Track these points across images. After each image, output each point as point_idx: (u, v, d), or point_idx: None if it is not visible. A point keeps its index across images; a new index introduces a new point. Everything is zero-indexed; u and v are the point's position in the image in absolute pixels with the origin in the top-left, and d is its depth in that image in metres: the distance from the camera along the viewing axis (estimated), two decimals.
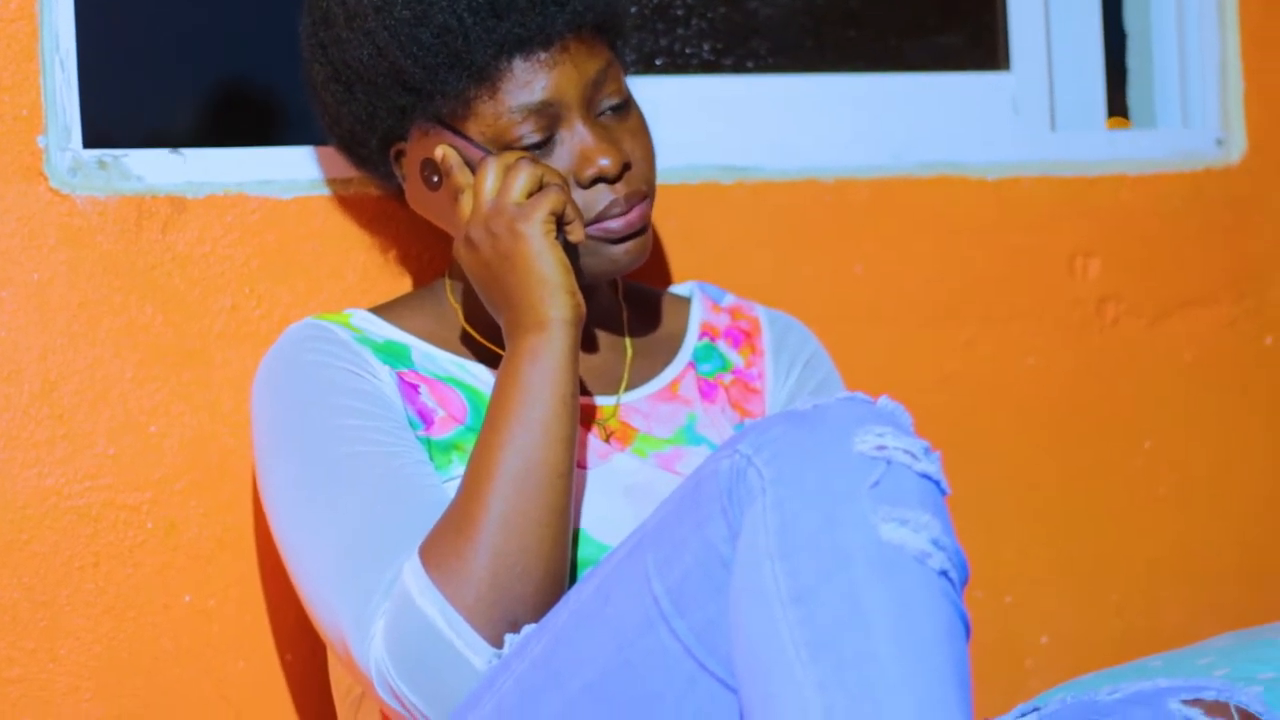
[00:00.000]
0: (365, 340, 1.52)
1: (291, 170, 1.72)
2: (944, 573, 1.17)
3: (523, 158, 1.43)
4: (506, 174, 1.43)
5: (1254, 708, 1.31)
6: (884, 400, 1.26)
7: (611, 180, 1.49)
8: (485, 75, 1.46)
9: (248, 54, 2.15)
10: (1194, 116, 2.23)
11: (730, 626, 1.20)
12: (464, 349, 1.57)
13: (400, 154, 1.54)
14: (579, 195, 1.48)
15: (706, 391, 1.62)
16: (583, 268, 1.50)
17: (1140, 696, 1.33)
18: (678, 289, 1.74)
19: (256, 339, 1.67)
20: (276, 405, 1.50)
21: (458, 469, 1.48)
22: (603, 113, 1.51)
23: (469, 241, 1.44)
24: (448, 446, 1.50)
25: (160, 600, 1.66)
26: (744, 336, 1.68)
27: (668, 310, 1.69)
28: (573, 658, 1.29)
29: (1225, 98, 2.21)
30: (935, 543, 1.18)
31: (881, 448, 1.20)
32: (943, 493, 1.23)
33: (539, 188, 1.43)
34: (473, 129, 1.48)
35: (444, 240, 1.65)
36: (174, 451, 1.66)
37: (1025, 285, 2.09)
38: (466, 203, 1.45)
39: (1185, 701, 1.31)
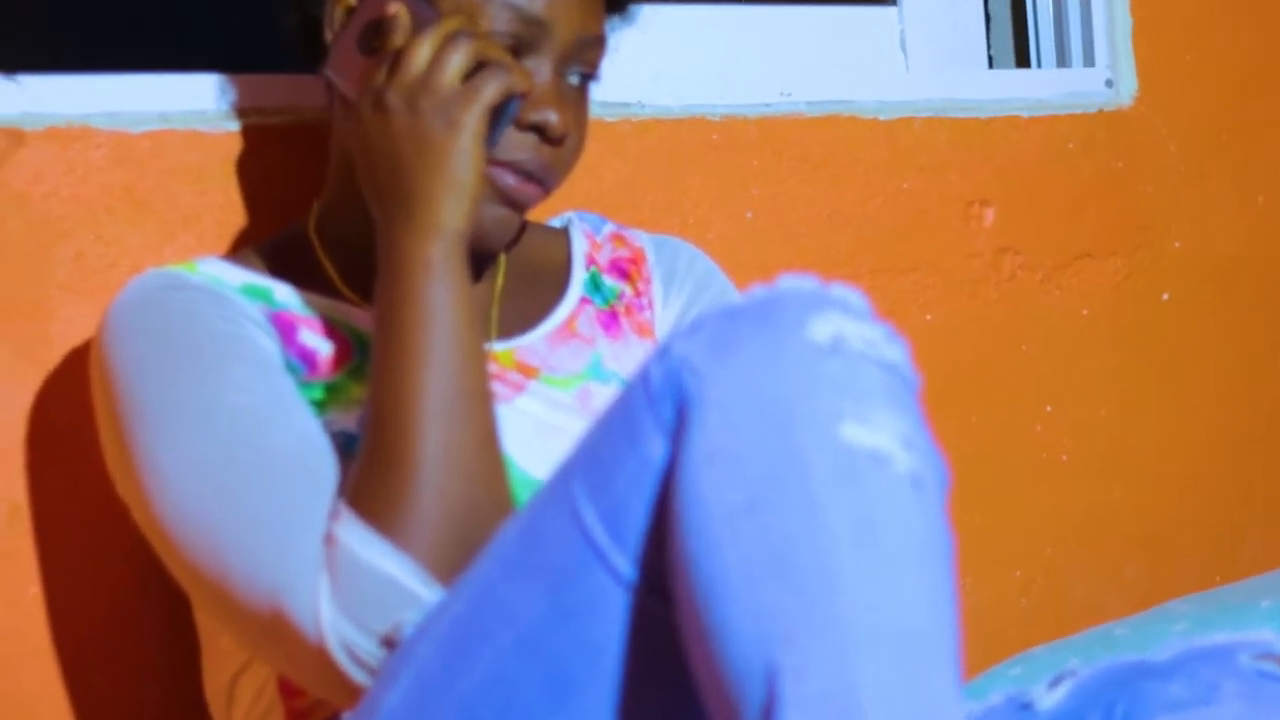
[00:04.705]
0: (221, 284, 1.46)
1: (142, 100, 1.66)
2: (915, 478, 1.10)
3: (462, 31, 1.37)
4: (443, 46, 1.36)
5: None
6: (836, 285, 1.18)
7: (548, 139, 1.44)
8: None
9: None
10: (1073, 57, 2.29)
11: (669, 547, 1.12)
12: (332, 299, 1.51)
13: None
14: (509, 133, 1.43)
15: (607, 324, 1.60)
16: None
17: (1200, 653, 1.32)
18: (552, 220, 1.71)
19: (105, 290, 1.59)
20: (143, 360, 1.41)
21: (338, 414, 1.43)
22: (571, 75, 1.47)
23: (381, 104, 1.36)
24: (334, 389, 1.45)
25: (2, 595, 1.59)
26: (630, 264, 1.65)
27: (544, 243, 1.65)
28: (500, 614, 1.21)
29: (1114, 36, 2.27)
30: (904, 442, 1.10)
31: (838, 336, 1.13)
32: (911, 384, 1.15)
33: (476, 67, 1.37)
34: (447, 1, 1.41)
35: (312, 178, 1.60)
36: (15, 422, 1.59)
37: (920, 234, 2.11)
38: (385, 66, 1.38)
39: (1255, 657, 1.30)
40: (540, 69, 1.45)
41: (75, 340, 1.61)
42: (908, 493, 1.09)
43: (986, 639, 2.10)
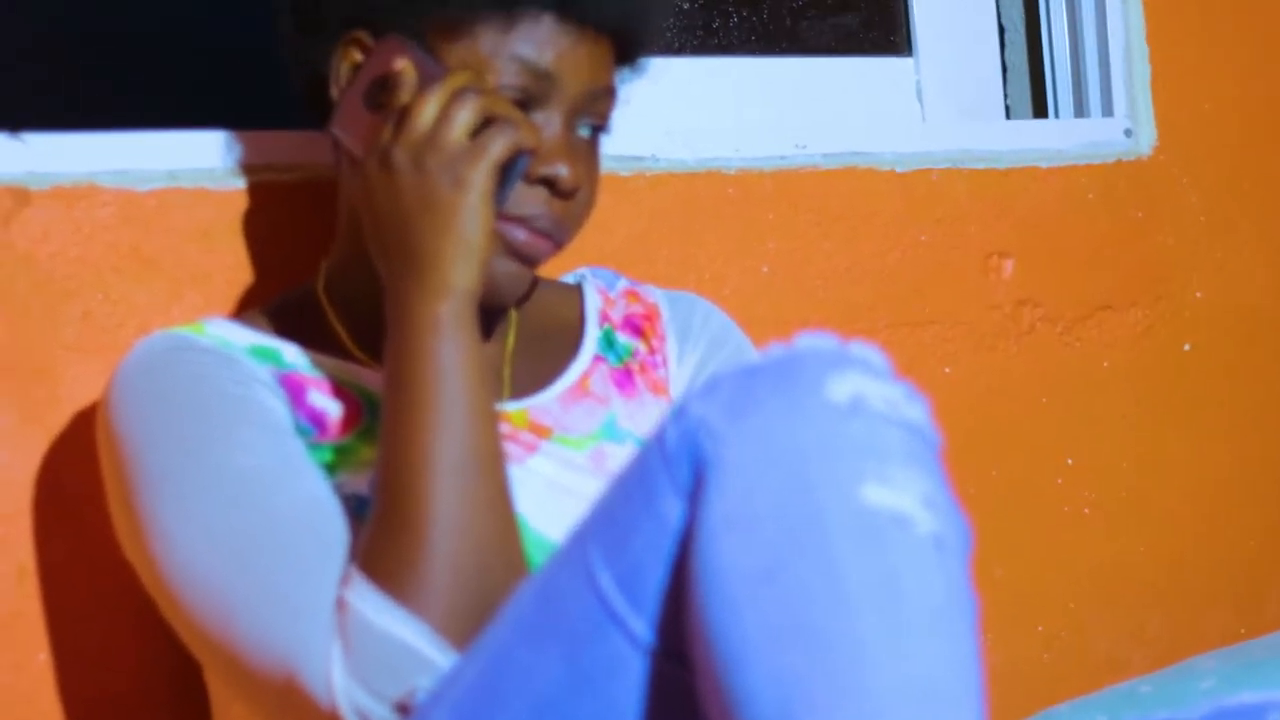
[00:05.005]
0: (229, 345, 1.44)
1: (149, 158, 1.64)
2: (938, 539, 1.08)
3: (469, 86, 1.35)
4: (450, 102, 1.34)
5: None
6: (855, 343, 1.16)
7: (559, 192, 1.42)
8: (512, 5, 1.39)
9: (106, 16, 2.05)
10: (1092, 107, 2.27)
11: (688, 612, 1.10)
12: (342, 359, 1.49)
13: (356, 46, 1.43)
14: (519, 187, 1.41)
15: (621, 383, 1.57)
16: None
17: (1229, 713, 1.30)
18: (564, 276, 1.68)
19: (113, 350, 1.58)
20: (150, 423, 1.39)
21: (349, 476, 1.41)
22: (582, 128, 1.45)
23: (387, 162, 1.34)
24: (344, 451, 1.42)
25: (9, 659, 1.57)
26: (644, 321, 1.63)
27: (556, 300, 1.63)
28: (516, 680, 1.20)
29: (1132, 85, 2.25)
30: (926, 503, 1.08)
31: (857, 396, 1.11)
32: (933, 444, 1.13)
33: (484, 123, 1.35)
34: (454, 54, 1.40)
35: (322, 235, 1.58)
36: (22, 483, 1.57)
37: (939, 287, 2.09)
38: (391, 123, 1.36)
39: None
40: (550, 122, 1.42)
41: (82, 401, 1.59)
42: (930, 554, 1.07)
43: (1009, 695, 2.07)
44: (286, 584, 1.29)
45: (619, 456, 1.50)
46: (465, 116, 1.34)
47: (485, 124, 1.34)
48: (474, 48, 1.40)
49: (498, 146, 1.33)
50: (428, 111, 1.34)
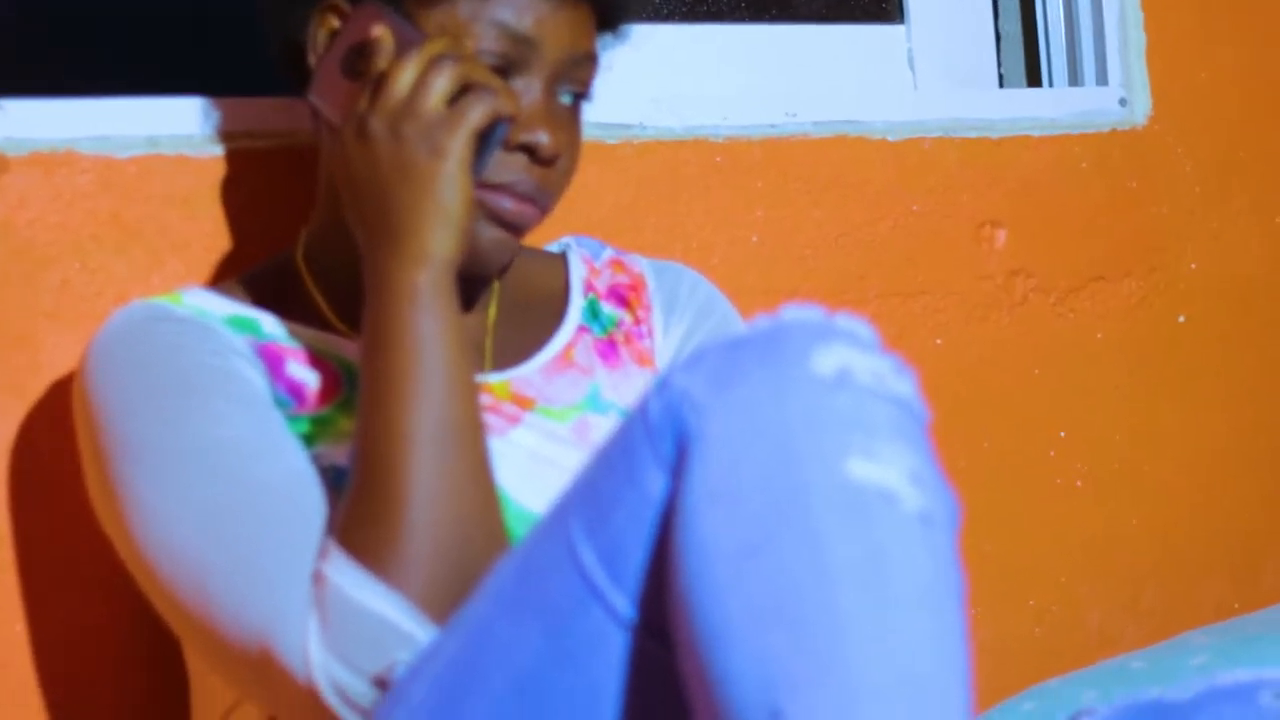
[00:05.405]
0: (207, 315, 1.42)
1: (129, 124, 1.62)
2: (924, 515, 1.06)
3: (447, 53, 1.33)
4: (427, 69, 1.32)
5: None
6: (842, 315, 1.15)
7: (539, 159, 1.40)
8: None
9: None
10: (1086, 76, 2.25)
11: (670, 588, 1.09)
12: (321, 330, 1.47)
13: (333, 12, 1.41)
14: (499, 154, 1.39)
15: (606, 353, 1.56)
16: None
17: (1221, 693, 1.28)
18: (548, 245, 1.66)
19: (91, 319, 1.55)
20: (127, 394, 1.37)
21: (327, 447, 1.39)
22: (563, 95, 1.43)
23: (364, 131, 1.33)
24: (322, 422, 1.41)
25: None
26: (629, 291, 1.61)
27: (540, 269, 1.61)
28: (496, 654, 1.18)
29: (1127, 54, 2.23)
30: (913, 478, 1.07)
31: (844, 369, 1.09)
32: (920, 418, 1.11)
33: (461, 91, 1.33)
34: (432, 20, 1.38)
35: (303, 203, 1.56)
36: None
37: (930, 257, 2.07)
38: (369, 90, 1.34)
39: (1277, 695, 1.26)
40: (530, 88, 1.41)
41: (61, 370, 1.57)
42: (917, 531, 1.06)
43: (999, 670, 2.05)
44: (263, 557, 1.28)
45: (603, 428, 1.49)
46: (442, 84, 1.32)
47: (463, 91, 1.33)
48: (452, 13, 1.38)
49: (476, 114, 1.31)
50: (404, 79, 1.32)
